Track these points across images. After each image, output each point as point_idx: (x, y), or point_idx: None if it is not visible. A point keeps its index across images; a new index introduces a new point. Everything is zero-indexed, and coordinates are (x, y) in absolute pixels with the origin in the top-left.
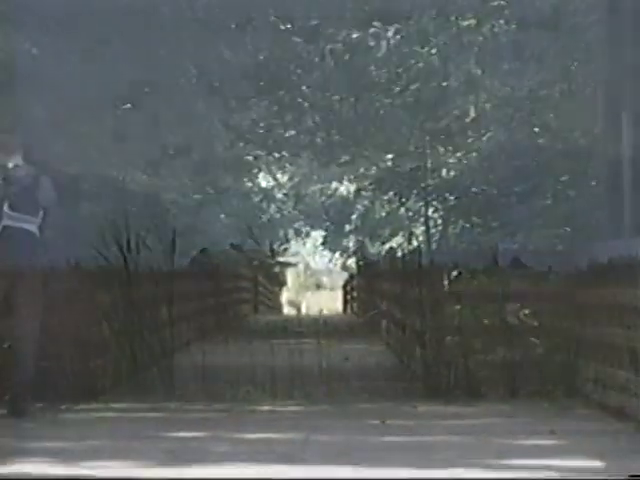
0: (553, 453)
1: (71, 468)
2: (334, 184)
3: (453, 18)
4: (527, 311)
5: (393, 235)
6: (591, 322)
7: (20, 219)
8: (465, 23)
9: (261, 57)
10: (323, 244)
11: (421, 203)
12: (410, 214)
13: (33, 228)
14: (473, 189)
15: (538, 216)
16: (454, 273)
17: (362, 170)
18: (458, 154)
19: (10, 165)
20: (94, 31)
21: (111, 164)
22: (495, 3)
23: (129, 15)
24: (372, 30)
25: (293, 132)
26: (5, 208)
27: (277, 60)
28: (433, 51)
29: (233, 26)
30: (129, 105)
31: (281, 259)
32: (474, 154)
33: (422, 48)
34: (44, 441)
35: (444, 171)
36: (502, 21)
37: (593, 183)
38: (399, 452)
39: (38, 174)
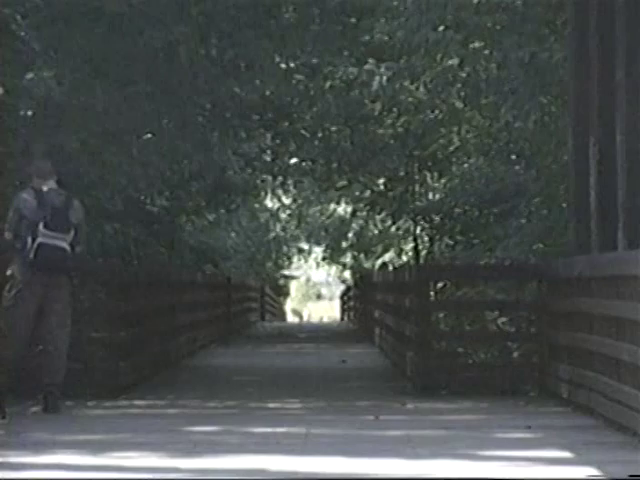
0: (528, 445)
1: (98, 458)
2: (333, 206)
3: (439, 58)
4: (504, 319)
5: (385, 251)
6: (563, 328)
7: (53, 237)
8: (450, 62)
9: (267, 93)
10: (323, 259)
11: (410, 222)
12: (400, 232)
13: (65, 245)
14: (456, 210)
15: (514, 234)
16: (440, 284)
17: (357, 193)
18: (443, 179)
19: (45, 189)
20: (121, 70)
21: (137, 188)
22: (476, 45)
23: (151, 55)
24: (367, 67)
25: (296, 159)
26: (40, 227)
27: (281, 95)
28: (421, 87)
29: (243, 65)
30: (150, 135)
31: (285, 272)
32: (457, 179)
33: (411, 84)
34: (75, 434)
35: (431, 194)
36: (482, 61)
37: (563, 205)
38: (391, 444)
39: (69, 197)
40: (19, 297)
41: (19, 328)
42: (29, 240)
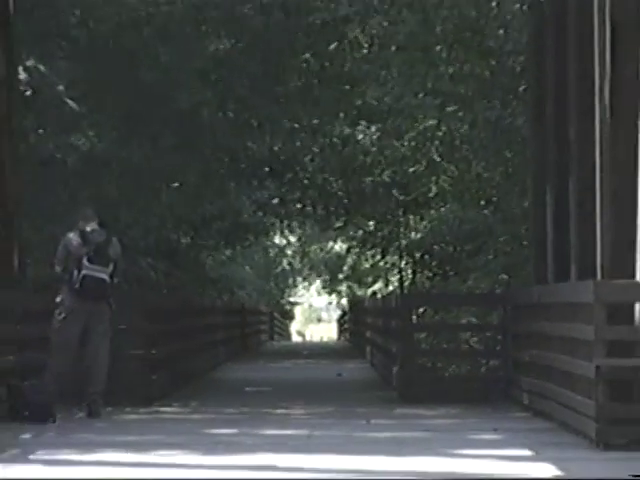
0: (495, 445)
1: (134, 456)
2: (330, 243)
3: (420, 119)
4: (475, 339)
5: (375, 281)
6: (529, 346)
7: (96, 270)
8: (429, 123)
9: (275, 148)
10: (323, 288)
11: (396, 258)
12: (388, 266)
13: (105, 276)
14: (435, 247)
15: (483, 267)
16: (420, 310)
17: (351, 233)
18: (424, 221)
19: (88, 229)
20: (153, 129)
21: (166, 229)
22: (451, 108)
23: (179, 116)
24: (360, 127)
25: (299, 205)
26: (84, 261)
27: (287, 150)
28: (405, 143)
29: (255, 125)
30: (177, 184)
31: (291, 299)
32: (435, 221)
33: (397, 141)
34: (114, 436)
35: (413, 234)
36: (456, 122)
37: (524, 243)
38: (380, 444)
39: (109, 235)
40: (66, 321)
41: (66, 347)
42: (75, 272)
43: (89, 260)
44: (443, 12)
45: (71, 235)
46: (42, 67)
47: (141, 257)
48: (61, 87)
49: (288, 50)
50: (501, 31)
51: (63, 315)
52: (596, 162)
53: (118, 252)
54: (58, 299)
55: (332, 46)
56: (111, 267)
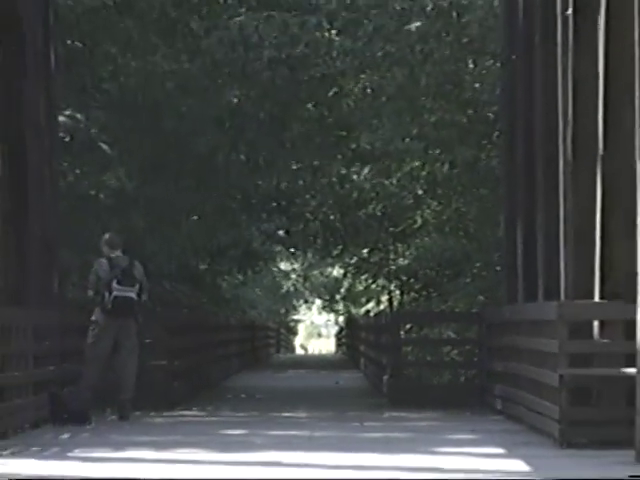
0: (472, 444)
1: (158, 453)
2: (329, 269)
3: (407, 160)
4: (455, 351)
5: (368, 302)
6: (502, 358)
7: (125, 290)
8: (415, 164)
9: (282, 186)
10: (322, 307)
11: (386, 281)
12: (379, 288)
13: (133, 295)
14: (420, 272)
15: (462, 289)
16: (407, 326)
17: (347, 259)
18: (410, 249)
19: (113, 255)
20: (175, 169)
21: (186, 256)
22: (433, 152)
23: (197, 158)
24: (354, 168)
25: (302, 235)
26: (114, 284)
27: (292, 188)
28: (394, 181)
29: (264, 165)
30: (196, 217)
31: (295, 317)
32: (420, 249)
33: (387, 179)
34: (141, 436)
35: (401, 260)
36: (438, 163)
37: (497, 268)
38: (373, 443)
39: (132, 260)
40: (99, 336)
41: (98, 359)
42: (107, 294)
43: (118, 282)
44: (427, 68)
45: (100, 262)
46: (79, 115)
47: (165, 280)
48: (95, 133)
49: (292, 100)
50: (477, 84)
51: (96, 332)
52: (560, 201)
53: (142, 273)
54: (93, 318)
55: (330, 95)
56: (137, 287)
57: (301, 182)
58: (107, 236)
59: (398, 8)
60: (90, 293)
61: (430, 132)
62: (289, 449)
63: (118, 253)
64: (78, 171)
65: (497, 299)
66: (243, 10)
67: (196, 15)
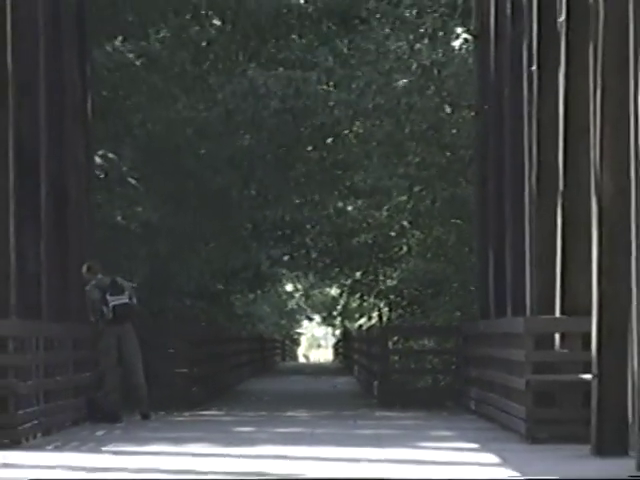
0: (450, 439)
1: (178, 448)
2: (327, 289)
3: (394, 195)
4: (436, 360)
5: (361, 317)
6: (476, 365)
7: (118, 298)
8: (401, 199)
9: (287, 218)
10: (322, 322)
11: (376, 300)
12: (370, 306)
13: (126, 300)
14: (405, 291)
15: (441, 307)
16: (394, 338)
17: (342, 281)
18: (397, 272)
19: (97, 278)
20: (194, 203)
21: (204, 278)
22: (417, 188)
23: (213, 193)
24: (349, 202)
25: (304, 260)
26: (107, 296)
27: (295, 219)
28: (383, 214)
29: (272, 200)
30: (213, 244)
31: (298, 330)
32: (405, 272)
33: (377, 212)
34: (164, 433)
35: (389, 281)
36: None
37: (472, 288)
38: (364, 438)
39: (113, 277)
40: (108, 345)
41: (114, 365)
42: (105, 309)
43: (110, 294)
44: (411, 117)
45: (88, 290)
46: (112, 155)
47: (185, 298)
48: (125, 171)
49: (295, 144)
50: (454, 130)
51: (105, 341)
52: (526, 230)
53: (127, 283)
54: (99, 329)
55: (328, 140)
56: (127, 294)
57: (303, 214)
58: (85, 266)
59: (387, 67)
60: (92, 319)
61: (414, 171)
62: (293, 444)
63: (99, 276)
64: (111, 204)
65: (472, 315)
66: (253, 66)
67: (212, 70)
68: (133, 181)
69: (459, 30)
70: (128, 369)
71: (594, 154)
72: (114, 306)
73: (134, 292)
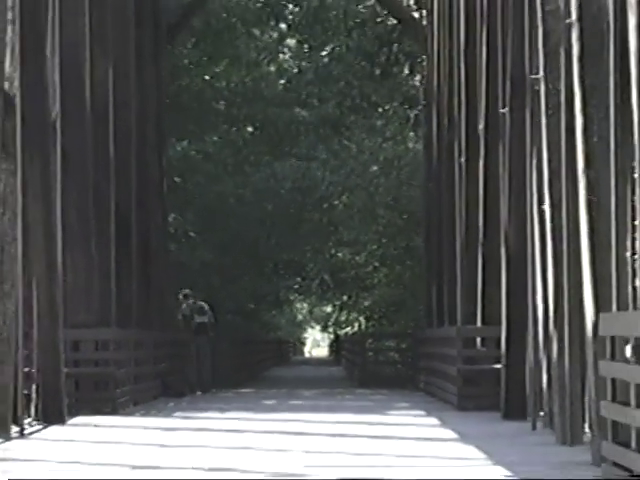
0: (406, 409)
1: (223, 414)
2: (324, 307)
3: (368, 246)
4: (397, 355)
5: (347, 326)
6: (424, 359)
7: (200, 318)
8: (374, 247)
9: (296, 259)
10: (321, 329)
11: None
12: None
13: (205, 320)
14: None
15: (401, 319)
16: (369, 340)
17: (335, 302)
18: (370, 296)
19: (189, 302)
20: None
21: (242, 301)
22: (384, 240)
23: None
24: (339, 249)
25: (308, 288)
26: (195, 315)
27: (302, 260)
28: (362, 258)
29: (286, 247)
30: (247, 277)
31: (304, 335)
32: (376, 296)
33: (357, 256)
34: (214, 403)
35: (366, 302)
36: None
37: (421, 307)
38: (348, 408)
39: (201, 304)
40: (189, 349)
41: (192, 358)
42: (192, 323)
43: (197, 314)
44: (380, 191)
45: (183, 308)
46: (180, 218)
47: (229, 315)
48: (188, 227)
49: (302, 210)
50: (409, 201)
51: (189, 345)
52: (457, 268)
53: (207, 309)
54: (187, 336)
55: (324, 208)
56: (206, 316)
57: (308, 257)
58: (182, 294)
59: (363, 159)
60: (182, 328)
61: (382, 229)
62: (302, 411)
63: (190, 301)
64: (179, 250)
65: (421, 324)
66: (269, 159)
67: (247, 161)
68: (193, 234)
69: (412, 134)
70: (200, 363)
71: (503, 218)
72: (197, 323)
73: (211, 314)
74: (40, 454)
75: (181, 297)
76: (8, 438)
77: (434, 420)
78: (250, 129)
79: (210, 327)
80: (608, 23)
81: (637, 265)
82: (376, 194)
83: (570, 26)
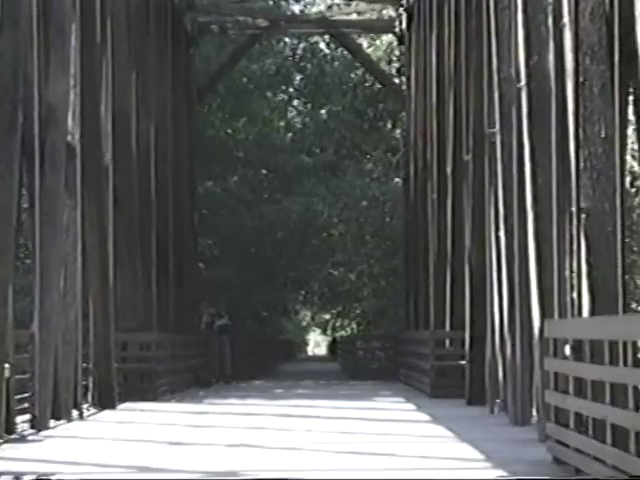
0: (389, 395)
1: (242, 400)
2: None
3: (359, 266)
4: (382, 353)
5: (342, 330)
6: (404, 356)
7: (221, 321)
8: (363, 266)
9: (299, 277)
10: (321, 332)
11: (349, 321)
12: (346, 324)
13: (225, 322)
14: (364, 316)
15: (384, 324)
16: (359, 341)
17: (332, 311)
18: (360, 306)
19: (210, 310)
20: (252, 269)
21: (257, 309)
22: (371, 261)
23: (261, 263)
24: (335, 269)
25: (311, 300)
26: (216, 320)
27: (304, 277)
28: (353, 276)
29: (293, 267)
30: (262, 291)
31: (307, 337)
32: (365, 306)
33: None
34: (235, 392)
35: (357, 311)
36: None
37: (401, 314)
38: (343, 396)
39: (219, 310)
40: (213, 348)
41: (214, 355)
42: (214, 325)
43: (217, 319)
44: (368, 222)
45: (205, 314)
46: (209, 241)
47: (247, 320)
48: (214, 249)
49: (305, 238)
50: (391, 230)
51: (212, 344)
52: (430, 282)
53: (224, 314)
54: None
55: (323, 237)
56: (225, 319)
57: (311, 275)
58: (203, 305)
59: (355, 195)
60: (202, 325)
61: (369, 252)
62: (305, 399)
63: (211, 310)
64: (207, 269)
65: (401, 329)
66: (279, 196)
67: (261, 198)
68: (217, 253)
69: (394, 176)
70: (222, 359)
71: (467, 243)
72: (219, 325)
73: (229, 320)
74: (96, 433)
75: (203, 307)
76: (70, 420)
77: (411, 405)
78: (264, 172)
79: (229, 328)
80: (550, 87)
81: (574, 281)
82: (365, 224)
83: (520, 90)
